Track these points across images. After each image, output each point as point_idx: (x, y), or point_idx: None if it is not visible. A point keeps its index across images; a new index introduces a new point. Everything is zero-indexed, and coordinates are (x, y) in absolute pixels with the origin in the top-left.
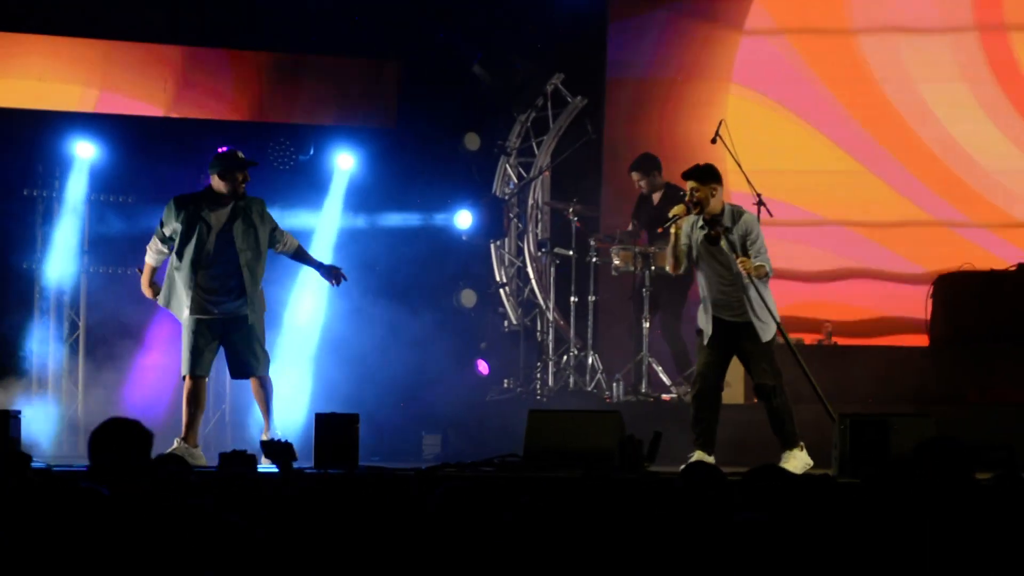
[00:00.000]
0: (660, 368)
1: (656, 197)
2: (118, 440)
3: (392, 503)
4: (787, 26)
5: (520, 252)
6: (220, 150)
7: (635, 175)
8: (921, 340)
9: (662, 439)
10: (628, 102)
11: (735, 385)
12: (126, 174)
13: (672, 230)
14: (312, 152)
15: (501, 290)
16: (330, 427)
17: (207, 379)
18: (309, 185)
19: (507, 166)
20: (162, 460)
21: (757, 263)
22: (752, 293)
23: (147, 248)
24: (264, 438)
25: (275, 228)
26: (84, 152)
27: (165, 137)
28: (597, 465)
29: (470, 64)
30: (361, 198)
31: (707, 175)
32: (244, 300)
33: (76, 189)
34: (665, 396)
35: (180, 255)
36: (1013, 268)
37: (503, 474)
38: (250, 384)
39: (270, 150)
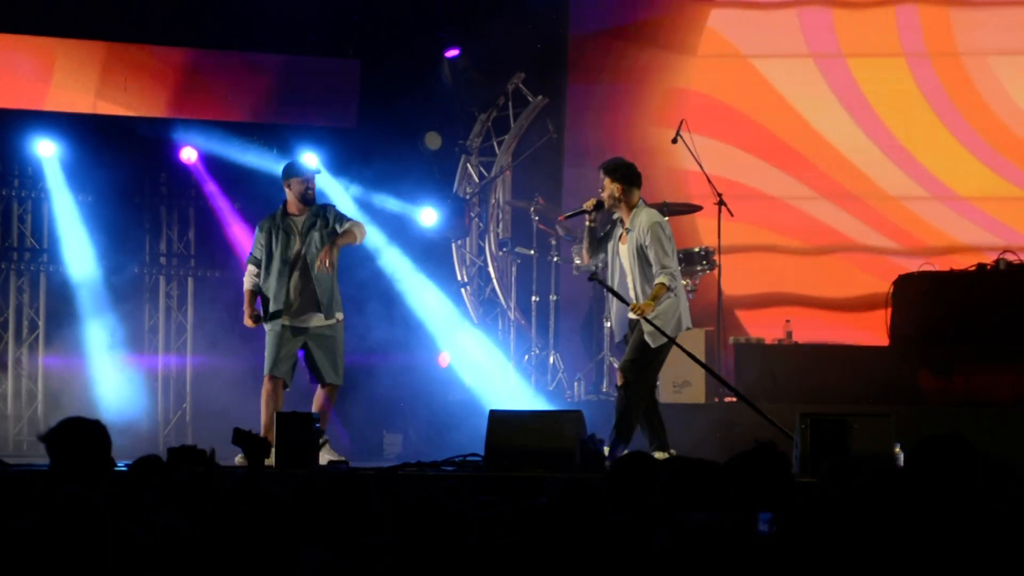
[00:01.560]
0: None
1: None
2: (78, 440)
3: (352, 502)
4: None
5: (481, 251)
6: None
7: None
8: (881, 340)
9: None
10: (589, 101)
11: (696, 384)
12: (85, 173)
13: (587, 222)
14: (275, 151)
15: (463, 289)
16: (290, 426)
17: (282, 382)
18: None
19: (468, 165)
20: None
21: (649, 296)
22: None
23: (245, 276)
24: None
25: (338, 226)
26: (45, 151)
27: (127, 136)
28: (559, 464)
29: (443, 52)
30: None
31: (614, 171)
32: (322, 310)
33: (56, 187)
34: None
35: (268, 270)
36: (972, 268)
37: (465, 473)
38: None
39: (237, 148)
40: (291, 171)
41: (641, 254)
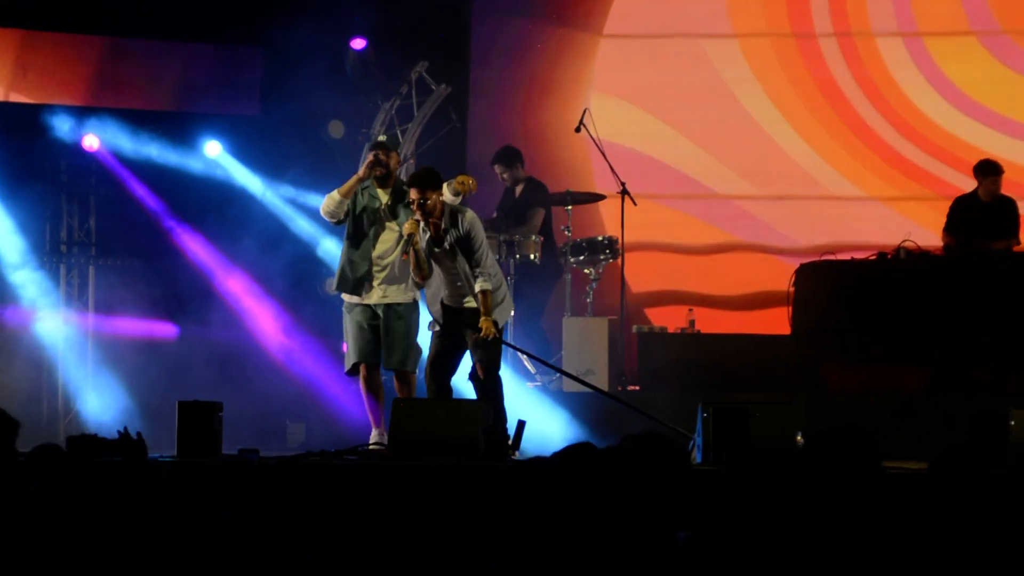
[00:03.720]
0: (524, 357)
1: (519, 189)
2: None
3: (257, 491)
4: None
5: None
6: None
7: (498, 168)
8: (784, 328)
9: (525, 427)
10: (492, 90)
11: (599, 372)
12: None
13: (411, 250)
14: (178, 139)
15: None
16: (193, 415)
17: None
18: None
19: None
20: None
21: (492, 316)
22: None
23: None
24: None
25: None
26: None
27: (28, 123)
28: (462, 454)
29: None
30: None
31: (429, 181)
32: (399, 288)
33: None
34: (529, 384)
35: (352, 239)
36: (873, 257)
37: (368, 462)
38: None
39: (140, 136)
40: (374, 146)
41: (468, 252)
